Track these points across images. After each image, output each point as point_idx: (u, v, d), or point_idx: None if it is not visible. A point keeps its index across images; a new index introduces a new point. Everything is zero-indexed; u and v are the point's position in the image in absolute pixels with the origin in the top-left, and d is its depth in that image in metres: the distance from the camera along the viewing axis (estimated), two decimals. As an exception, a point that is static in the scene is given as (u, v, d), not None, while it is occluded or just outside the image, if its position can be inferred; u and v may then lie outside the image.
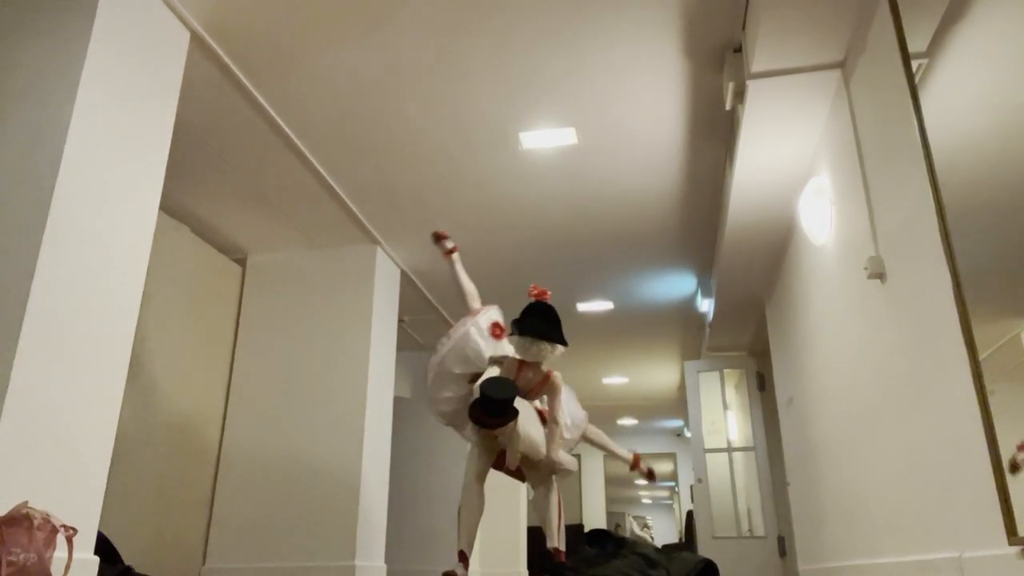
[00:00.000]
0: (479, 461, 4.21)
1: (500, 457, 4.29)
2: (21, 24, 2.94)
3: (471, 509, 4.15)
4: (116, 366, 2.91)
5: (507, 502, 8.46)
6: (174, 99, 3.40)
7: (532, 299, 4.10)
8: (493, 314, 4.35)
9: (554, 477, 4.32)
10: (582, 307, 7.46)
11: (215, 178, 4.92)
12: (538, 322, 3.98)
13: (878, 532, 3.39)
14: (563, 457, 4.22)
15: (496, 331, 4.24)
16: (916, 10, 2.46)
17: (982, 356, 2.11)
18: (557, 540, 4.19)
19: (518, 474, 4.39)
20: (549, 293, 4.15)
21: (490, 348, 4.15)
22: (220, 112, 4.18)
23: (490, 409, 3.79)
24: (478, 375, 4.15)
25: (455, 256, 4.53)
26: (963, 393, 2.24)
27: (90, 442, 2.76)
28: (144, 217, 3.14)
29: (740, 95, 3.74)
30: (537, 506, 4.30)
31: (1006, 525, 2.00)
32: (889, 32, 2.71)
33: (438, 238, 4.55)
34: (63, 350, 2.65)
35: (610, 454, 4.83)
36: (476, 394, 3.96)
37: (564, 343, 4.04)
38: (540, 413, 4.40)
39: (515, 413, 3.87)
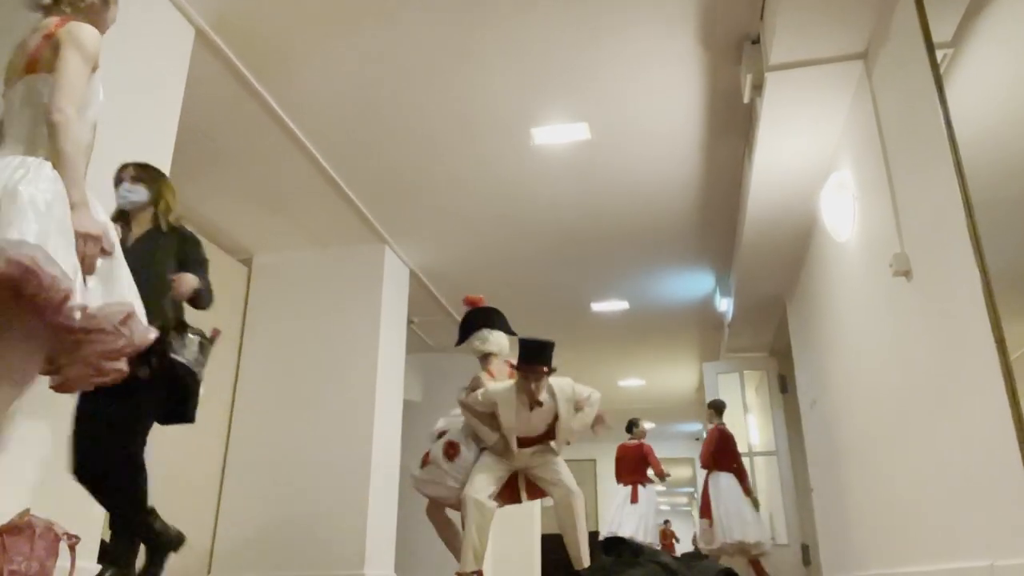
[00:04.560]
0: (488, 481, 4.18)
1: (508, 488, 4.29)
2: (26, 23, 2.96)
3: (482, 524, 4.12)
4: (119, 370, 2.92)
5: (520, 511, 8.45)
6: (179, 97, 3.42)
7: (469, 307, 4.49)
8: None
9: (577, 491, 4.26)
10: (596, 307, 7.46)
11: (220, 177, 4.95)
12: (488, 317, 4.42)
13: (907, 539, 3.37)
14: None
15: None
16: (941, -2, 2.45)
17: (1013, 356, 2.09)
18: (585, 560, 4.16)
19: (536, 493, 4.39)
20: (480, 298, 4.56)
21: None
22: (225, 110, 4.21)
23: (533, 354, 4.03)
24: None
25: None
26: (994, 394, 2.22)
27: (93, 448, 2.77)
28: (147, 218, 3.16)
29: (758, 88, 3.72)
30: (561, 524, 4.25)
31: (1038, 532, 1.99)
32: (913, 21, 2.69)
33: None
34: (65, 354, 2.67)
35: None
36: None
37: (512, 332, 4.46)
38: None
39: (552, 368, 4.11)
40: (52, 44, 1.97)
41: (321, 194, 5.13)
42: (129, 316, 1.89)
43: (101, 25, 2.15)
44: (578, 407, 4.30)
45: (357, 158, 4.78)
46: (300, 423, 5.48)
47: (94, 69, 2.02)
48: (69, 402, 2.65)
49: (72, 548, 2.05)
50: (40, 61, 1.96)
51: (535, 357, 4.05)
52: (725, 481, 7.18)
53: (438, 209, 5.48)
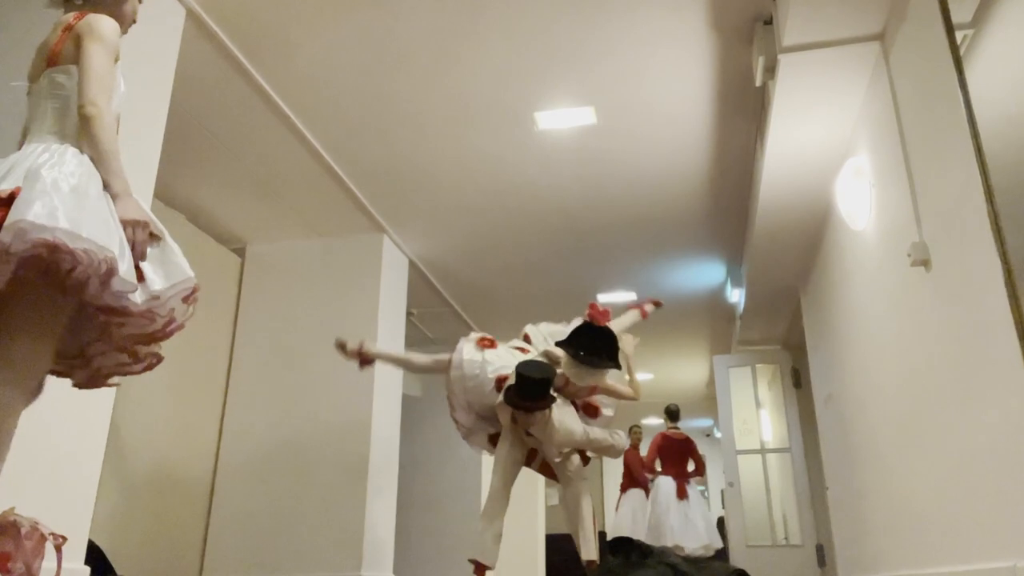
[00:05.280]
0: (509, 465, 4.21)
1: (531, 456, 4.32)
2: (7, 3, 2.96)
3: (496, 516, 4.16)
4: (108, 365, 2.92)
5: (524, 509, 8.48)
6: (169, 80, 3.41)
7: (587, 319, 4.16)
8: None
9: (585, 482, 4.30)
10: (603, 298, 7.45)
11: (212, 164, 4.94)
12: (598, 347, 4.01)
13: (926, 540, 3.37)
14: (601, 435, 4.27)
15: (484, 342, 4.39)
16: (962, -25, 2.43)
17: (1035, 349, 2.09)
18: (592, 550, 4.20)
19: (550, 472, 4.42)
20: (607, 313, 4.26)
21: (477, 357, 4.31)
22: (217, 94, 4.20)
23: (527, 391, 3.83)
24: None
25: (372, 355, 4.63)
26: (1016, 388, 2.22)
27: (81, 443, 2.78)
28: (136, 206, 3.16)
29: (771, 70, 3.71)
30: (568, 512, 4.29)
31: (1061, 532, 1.98)
32: (931, 1, 2.67)
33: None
34: (51, 348, 2.67)
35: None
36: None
37: (619, 366, 4.12)
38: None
39: (551, 399, 3.90)
40: (72, 37, 2.04)
41: (317, 181, 5.12)
42: (195, 290, 2.03)
43: (119, 17, 2.20)
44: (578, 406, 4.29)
45: (354, 144, 4.77)
46: (295, 419, 5.48)
47: (116, 60, 2.09)
48: (49, 393, 2.66)
49: (59, 549, 2.05)
50: (61, 55, 2.03)
51: (525, 395, 3.84)
52: (663, 486, 7.45)
53: (438, 197, 5.47)
